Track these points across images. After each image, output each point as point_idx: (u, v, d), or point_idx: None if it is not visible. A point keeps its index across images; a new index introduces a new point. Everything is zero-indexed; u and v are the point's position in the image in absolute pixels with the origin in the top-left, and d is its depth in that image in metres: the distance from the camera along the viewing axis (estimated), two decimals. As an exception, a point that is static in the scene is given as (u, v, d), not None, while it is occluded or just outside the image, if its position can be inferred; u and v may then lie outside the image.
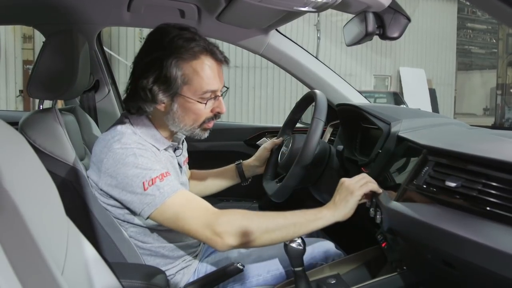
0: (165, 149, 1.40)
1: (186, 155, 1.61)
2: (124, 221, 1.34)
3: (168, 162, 1.39)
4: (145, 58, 1.31)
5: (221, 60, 1.34)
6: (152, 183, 1.22)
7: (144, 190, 1.22)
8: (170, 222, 1.24)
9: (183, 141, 1.54)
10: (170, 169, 1.37)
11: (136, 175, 1.22)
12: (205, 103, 1.32)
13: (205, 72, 1.29)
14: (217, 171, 1.83)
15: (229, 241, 1.20)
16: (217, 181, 1.82)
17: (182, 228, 1.23)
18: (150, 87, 1.27)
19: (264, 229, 1.22)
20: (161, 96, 1.28)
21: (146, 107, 1.31)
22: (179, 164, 1.47)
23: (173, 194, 1.23)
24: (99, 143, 1.33)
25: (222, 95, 1.37)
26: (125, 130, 1.31)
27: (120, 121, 1.36)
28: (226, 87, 1.40)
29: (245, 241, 1.21)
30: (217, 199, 2.28)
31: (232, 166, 1.82)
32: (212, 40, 1.36)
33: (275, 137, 1.88)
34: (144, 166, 1.23)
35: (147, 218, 1.25)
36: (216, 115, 1.38)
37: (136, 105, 1.32)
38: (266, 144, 1.85)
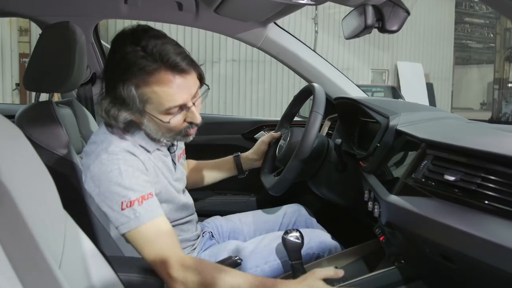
0: (158, 149, 1.36)
1: (183, 147, 1.59)
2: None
3: (160, 162, 1.36)
4: (104, 75, 1.26)
5: (185, 70, 1.20)
6: (130, 205, 1.20)
7: (122, 209, 1.20)
8: (137, 247, 1.23)
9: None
10: (160, 172, 1.35)
11: (117, 193, 1.20)
12: (172, 118, 1.23)
13: (164, 89, 1.18)
14: (215, 162, 1.83)
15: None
16: (214, 172, 1.81)
17: (145, 258, 1.22)
18: (109, 109, 1.21)
19: None
20: (123, 116, 1.22)
21: (120, 121, 1.24)
22: (173, 161, 1.45)
23: (148, 221, 1.21)
24: (90, 144, 1.30)
25: (193, 104, 1.26)
26: (115, 134, 1.27)
27: (110, 124, 1.28)
28: (207, 86, 1.33)
29: None
30: (215, 193, 2.29)
31: (230, 157, 1.81)
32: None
33: (273, 131, 1.88)
34: (125, 185, 1.20)
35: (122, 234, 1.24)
36: (190, 124, 1.30)
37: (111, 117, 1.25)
38: (264, 137, 1.84)
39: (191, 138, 1.35)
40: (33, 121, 1.37)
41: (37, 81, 1.41)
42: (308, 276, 1.19)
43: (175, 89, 1.19)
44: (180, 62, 1.18)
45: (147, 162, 1.29)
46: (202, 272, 1.18)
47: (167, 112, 1.22)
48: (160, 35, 1.20)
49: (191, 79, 1.23)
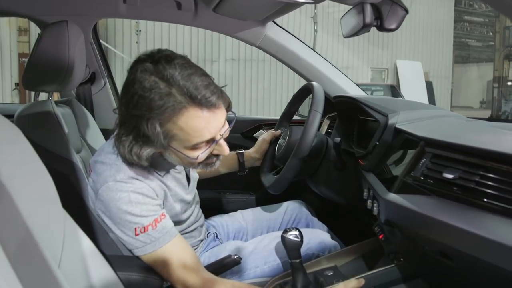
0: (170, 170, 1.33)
1: None
2: None
3: (172, 182, 1.33)
4: (122, 109, 1.15)
5: (214, 104, 1.11)
6: (144, 231, 1.19)
7: (135, 235, 1.19)
8: (156, 268, 1.24)
9: None
10: (170, 192, 1.32)
11: (128, 221, 1.19)
12: (198, 152, 1.17)
13: (192, 126, 1.10)
14: None
15: None
16: None
17: (166, 279, 1.24)
18: (131, 147, 1.14)
19: None
20: (146, 152, 1.15)
21: (143, 155, 1.16)
22: (187, 176, 1.43)
23: (164, 244, 1.21)
24: (98, 164, 1.24)
25: (222, 136, 1.19)
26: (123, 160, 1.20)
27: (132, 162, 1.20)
28: (233, 113, 1.25)
29: None
30: (214, 191, 2.28)
31: (233, 153, 1.80)
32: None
33: (273, 129, 1.88)
34: (136, 213, 1.18)
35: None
36: (218, 156, 1.26)
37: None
38: (265, 135, 1.84)
39: (210, 168, 1.27)
40: (32, 120, 1.37)
41: (36, 80, 1.41)
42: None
43: (203, 125, 1.11)
44: (210, 97, 1.09)
45: (157, 188, 1.26)
46: None
47: (194, 147, 1.15)
48: (185, 64, 1.10)
49: (220, 112, 1.15)
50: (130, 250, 1.24)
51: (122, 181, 1.19)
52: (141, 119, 1.09)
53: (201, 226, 1.58)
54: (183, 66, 1.09)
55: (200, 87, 1.08)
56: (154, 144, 1.13)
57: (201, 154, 1.17)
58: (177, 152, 1.16)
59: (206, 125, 1.12)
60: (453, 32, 17.83)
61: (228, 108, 1.21)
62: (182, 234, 1.42)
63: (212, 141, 1.17)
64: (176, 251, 1.23)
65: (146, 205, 1.20)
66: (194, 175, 1.53)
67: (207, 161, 1.24)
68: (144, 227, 1.18)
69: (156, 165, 1.26)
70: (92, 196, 1.27)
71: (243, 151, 1.81)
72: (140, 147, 1.14)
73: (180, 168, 1.38)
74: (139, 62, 1.11)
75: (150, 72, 1.07)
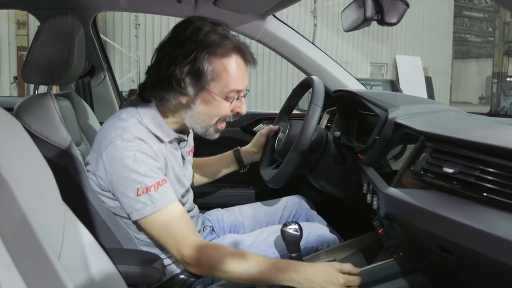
0: (170, 141, 1.37)
1: (192, 144, 1.60)
2: (116, 214, 1.34)
3: (170, 155, 1.37)
4: (177, 49, 1.26)
5: (250, 61, 1.32)
6: (146, 191, 1.22)
7: (137, 196, 1.22)
8: (152, 232, 1.26)
9: (189, 132, 1.50)
10: (170, 164, 1.36)
11: (132, 179, 1.22)
12: (229, 102, 1.31)
13: (234, 70, 1.28)
14: (215, 158, 1.83)
15: (194, 271, 1.26)
16: (214, 168, 1.81)
17: (160, 242, 1.27)
18: (183, 78, 1.24)
19: (230, 275, 1.23)
20: (189, 89, 1.25)
21: (172, 98, 1.28)
22: (182, 156, 1.46)
23: (164, 207, 1.23)
24: (103, 130, 1.31)
25: (244, 96, 1.36)
26: (130, 121, 1.29)
27: (127, 109, 1.33)
28: (247, 90, 1.39)
29: (209, 275, 1.30)
30: (214, 186, 2.28)
31: (229, 153, 1.81)
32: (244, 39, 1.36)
33: (272, 124, 1.88)
34: (141, 171, 1.22)
35: (133, 221, 1.27)
36: (236, 114, 1.37)
37: (159, 94, 1.29)
38: (262, 130, 1.85)
39: (217, 135, 1.40)
40: (32, 113, 1.37)
41: (36, 73, 1.40)
42: (325, 263, 1.23)
43: (242, 74, 1.30)
44: (249, 53, 1.31)
45: (158, 152, 1.30)
46: (215, 255, 1.22)
47: (227, 94, 1.29)
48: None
49: (247, 72, 1.34)
50: (128, 215, 1.26)
51: (128, 140, 1.24)
52: (200, 52, 1.24)
53: (196, 217, 1.59)
54: (230, 30, 1.32)
55: (243, 45, 1.30)
56: (199, 83, 1.25)
57: (227, 106, 1.31)
58: (212, 95, 1.28)
59: (243, 76, 1.31)
60: (452, 27, 17.85)
61: None
62: None
63: (239, 94, 1.33)
64: (175, 215, 1.25)
65: (149, 165, 1.24)
66: (189, 158, 1.56)
67: (219, 124, 1.36)
68: (147, 188, 1.22)
69: (154, 125, 1.32)
70: (93, 166, 1.30)
71: (239, 148, 1.81)
72: (190, 79, 1.25)
73: (176, 145, 1.41)
74: (195, 16, 1.31)
75: (208, 22, 1.28)
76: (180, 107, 1.31)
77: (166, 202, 1.24)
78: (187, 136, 1.47)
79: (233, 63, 1.27)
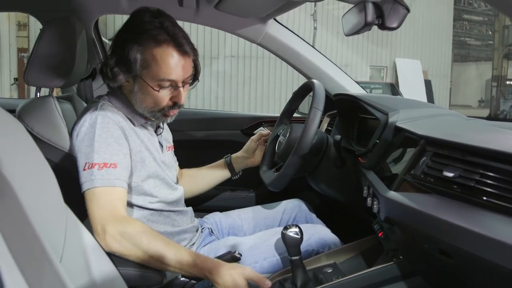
0: (143, 126, 1.44)
1: (170, 141, 1.64)
2: None
3: (145, 138, 1.43)
4: (115, 38, 1.37)
5: (187, 52, 1.35)
6: (90, 167, 1.26)
7: (83, 170, 1.27)
8: (87, 208, 1.26)
9: (163, 124, 1.56)
10: (145, 146, 1.42)
11: (84, 154, 1.29)
12: (161, 90, 1.35)
13: (164, 61, 1.32)
14: (207, 168, 1.85)
15: (111, 246, 1.20)
16: (207, 178, 1.83)
17: (90, 218, 1.25)
18: (112, 67, 1.34)
19: (143, 255, 1.22)
20: (121, 77, 1.34)
21: (111, 84, 1.39)
22: (160, 143, 1.51)
23: (100, 186, 1.25)
24: (79, 117, 1.39)
25: (183, 86, 1.38)
26: (104, 103, 1.39)
27: (99, 97, 1.45)
28: (197, 80, 1.46)
29: (125, 254, 1.22)
30: (214, 188, 2.27)
31: (221, 161, 1.84)
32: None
33: (273, 127, 1.89)
34: (94, 147, 1.28)
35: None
36: (174, 105, 1.40)
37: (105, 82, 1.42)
38: (253, 136, 1.87)
39: (169, 120, 1.45)
40: (34, 115, 1.38)
41: (38, 75, 1.41)
42: (238, 268, 1.23)
43: (173, 64, 1.33)
44: (185, 44, 1.34)
45: (130, 133, 1.37)
46: (137, 234, 1.22)
47: (159, 83, 1.34)
48: (176, 23, 1.37)
49: (188, 64, 1.37)
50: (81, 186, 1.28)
51: (95, 119, 1.32)
52: (128, 43, 1.32)
53: (191, 214, 1.61)
54: (174, 22, 1.37)
55: (181, 36, 1.34)
56: (130, 70, 1.33)
57: (161, 91, 1.35)
58: (146, 86, 1.34)
59: (175, 66, 1.33)
60: (452, 30, 17.82)
61: (196, 72, 1.45)
62: (174, 212, 1.49)
63: (175, 85, 1.37)
64: (110, 197, 1.26)
65: (106, 145, 1.30)
66: (170, 152, 1.61)
67: (166, 112, 1.41)
68: (92, 164, 1.27)
69: (126, 109, 1.42)
70: (73, 144, 1.37)
71: (230, 155, 1.84)
72: (119, 69, 1.34)
73: (152, 131, 1.49)
74: (142, 8, 1.37)
75: (149, 13, 1.35)
76: (127, 93, 1.41)
77: (104, 183, 1.25)
78: (162, 125, 1.56)
79: (164, 53, 1.32)
